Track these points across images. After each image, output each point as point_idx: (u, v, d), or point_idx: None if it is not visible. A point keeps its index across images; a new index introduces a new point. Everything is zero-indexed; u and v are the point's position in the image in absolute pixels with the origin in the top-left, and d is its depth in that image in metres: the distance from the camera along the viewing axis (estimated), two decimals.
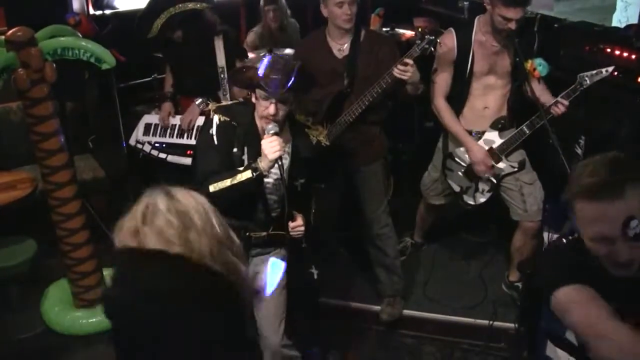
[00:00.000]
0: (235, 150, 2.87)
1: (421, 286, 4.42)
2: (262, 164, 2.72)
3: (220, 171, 2.79)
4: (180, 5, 4.05)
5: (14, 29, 3.43)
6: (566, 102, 3.66)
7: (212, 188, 2.73)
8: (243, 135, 2.88)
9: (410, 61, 3.42)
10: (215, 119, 2.89)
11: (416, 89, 3.68)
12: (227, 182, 2.74)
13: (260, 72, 2.75)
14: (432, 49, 3.51)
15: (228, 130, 2.88)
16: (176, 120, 4.47)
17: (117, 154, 4.52)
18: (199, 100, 4.26)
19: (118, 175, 4.79)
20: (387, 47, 3.77)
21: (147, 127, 4.52)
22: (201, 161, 2.94)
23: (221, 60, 4.21)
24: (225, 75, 4.19)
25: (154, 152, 4.45)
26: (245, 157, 2.88)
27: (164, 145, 4.44)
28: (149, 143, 4.46)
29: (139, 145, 4.43)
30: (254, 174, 2.72)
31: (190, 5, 4.05)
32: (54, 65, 3.50)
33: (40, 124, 3.59)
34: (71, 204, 3.81)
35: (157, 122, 4.51)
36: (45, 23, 3.65)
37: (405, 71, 3.43)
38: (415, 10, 6.13)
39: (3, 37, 3.46)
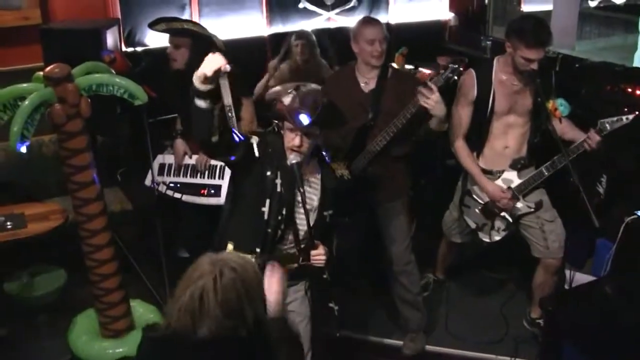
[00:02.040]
0: (269, 173, 2.94)
1: (443, 322, 4.45)
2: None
3: None
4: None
5: (51, 66, 3.53)
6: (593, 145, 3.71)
7: None
8: (277, 160, 2.96)
9: (434, 87, 3.40)
10: (254, 139, 2.97)
11: (440, 125, 3.62)
12: None
13: (288, 105, 2.87)
14: (456, 77, 3.52)
15: (266, 151, 2.96)
16: (192, 160, 4.53)
17: (144, 187, 4.60)
18: None
19: (145, 209, 4.86)
20: (413, 84, 3.75)
21: (162, 167, 4.58)
22: None
23: (227, 99, 4.26)
24: (233, 114, 4.23)
25: (169, 192, 4.48)
26: (278, 180, 2.94)
27: (178, 185, 4.49)
28: (164, 183, 4.50)
29: (154, 185, 4.48)
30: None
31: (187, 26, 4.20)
32: (89, 100, 3.62)
33: (74, 157, 3.68)
34: (101, 236, 3.87)
35: (171, 162, 4.57)
36: (81, 60, 3.75)
37: (428, 97, 3.40)
38: (439, 50, 6.23)
39: (41, 73, 3.58)
